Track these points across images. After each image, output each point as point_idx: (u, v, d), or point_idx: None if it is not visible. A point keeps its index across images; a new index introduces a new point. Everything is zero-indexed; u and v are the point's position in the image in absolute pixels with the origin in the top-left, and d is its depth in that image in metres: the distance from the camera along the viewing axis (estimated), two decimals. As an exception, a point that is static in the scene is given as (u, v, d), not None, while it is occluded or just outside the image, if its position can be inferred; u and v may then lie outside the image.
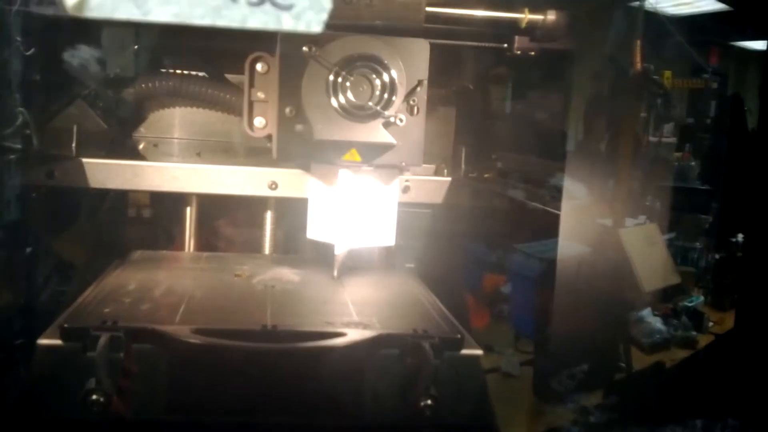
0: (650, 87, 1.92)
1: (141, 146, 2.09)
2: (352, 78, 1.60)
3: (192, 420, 1.21)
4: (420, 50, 1.66)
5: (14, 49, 1.47)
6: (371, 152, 1.68)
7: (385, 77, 1.62)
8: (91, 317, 1.27)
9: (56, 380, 1.19)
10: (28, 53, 1.50)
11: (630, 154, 1.53)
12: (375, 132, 1.65)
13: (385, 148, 1.67)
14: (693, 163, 2.30)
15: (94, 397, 1.12)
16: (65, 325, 1.22)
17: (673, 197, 2.12)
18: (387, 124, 1.65)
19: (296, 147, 1.67)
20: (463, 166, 2.13)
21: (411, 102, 1.66)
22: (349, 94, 1.61)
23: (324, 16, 0.68)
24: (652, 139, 2.09)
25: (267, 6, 0.68)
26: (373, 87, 1.62)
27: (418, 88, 1.66)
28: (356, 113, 1.62)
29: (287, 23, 0.69)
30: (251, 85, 1.75)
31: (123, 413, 1.15)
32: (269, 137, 1.78)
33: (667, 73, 2.09)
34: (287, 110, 1.63)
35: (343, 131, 1.63)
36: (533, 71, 2.10)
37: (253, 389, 1.21)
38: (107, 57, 1.99)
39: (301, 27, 0.69)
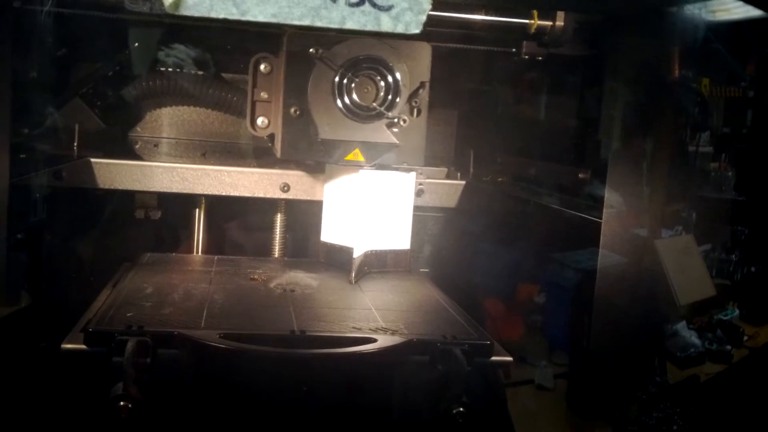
0: (688, 95, 1.96)
1: (137, 146, 2.12)
2: (357, 79, 1.68)
3: (221, 426, 1.23)
4: (422, 53, 1.74)
5: (45, 50, 1.50)
6: (374, 152, 1.75)
7: (389, 79, 1.69)
8: (114, 322, 1.29)
9: (81, 386, 1.21)
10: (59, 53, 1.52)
11: (667, 163, 1.57)
12: (378, 132, 1.72)
13: (388, 148, 1.74)
14: (730, 174, 2.33)
15: (122, 403, 1.13)
16: (90, 330, 1.24)
17: (710, 208, 2.17)
18: (390, 125, 1.72)
19: (301, 146, 1.73)
20: (471, 169, 2.17)
21: (413, 103, 1.73)
22: (354, 95, 1.68)
23: (423, 18, 0.71)
24: (689, 148, 2.13)
25: (366, 6, 0.70)
26: (377, 88, 1.70)
27: (421, 90, 1.73)
28: (360, 114, 1.70)
29: (386, 24, 0.72)
30: (254, 85, 1.80)
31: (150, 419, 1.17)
32: (271, 137, 1.82)
33: (705, 81, 2.13)
34: (292, 110, 1.69)
35: (347, 131, 1.71)
36: (546, 75, 2.14)
37: (284, 395, 1.24)
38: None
39: (399, 28, 0.72)
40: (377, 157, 1.74)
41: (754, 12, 1.44)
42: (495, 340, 1.38)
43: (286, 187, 1.91)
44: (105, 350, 1.20)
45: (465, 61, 2.11)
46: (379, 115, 1.69)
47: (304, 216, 2.04)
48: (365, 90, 1.68)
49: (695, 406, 1.59)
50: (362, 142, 1.72)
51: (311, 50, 1.63)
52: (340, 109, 1.68)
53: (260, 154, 2.10)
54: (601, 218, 1.51)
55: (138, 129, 2.13)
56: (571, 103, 2.10)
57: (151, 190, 1.87)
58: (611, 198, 1.50)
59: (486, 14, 1.80)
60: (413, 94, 1.71)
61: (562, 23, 1.80)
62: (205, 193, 1.90)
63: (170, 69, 2.01)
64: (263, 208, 2.00)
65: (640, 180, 1.54)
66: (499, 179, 2.14)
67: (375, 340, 1.30)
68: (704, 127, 2.25)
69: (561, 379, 1.87)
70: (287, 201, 1.97)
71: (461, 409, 1.22)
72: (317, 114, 1.68)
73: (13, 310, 1.55)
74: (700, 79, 2.12)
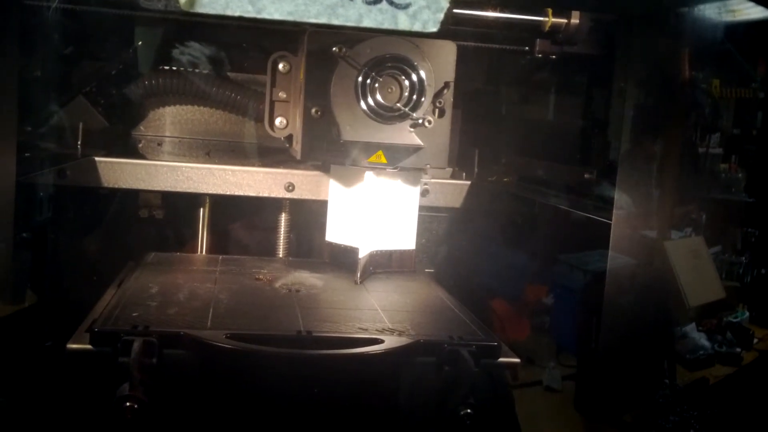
0: (698, 96, 1.96)
1: (141, 145, 2.12)
2: (380, 79, 1.64)
3: (227, 427, 1.23)
4: (447, 52, 1.71)
5: (49, 48, 1.50)
6: (398, 154, 1.72)
7: (414, 78, 1.65)
8: (120, 322, 1.30)
9: (86, 386, 1.21)
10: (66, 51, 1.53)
11: (676, 164, 1.57)
12: (402, 134, 1.69)
13: (412, 150, 1.71)
14: (740, 175, 2.33)
15: (128, 403, 1.13)
16: (95, 330, 1.24)
17: (720, 209, 2.17)
18: (413, 126, 1.69)
19: (321, 148, 1.70)
20: (476, 169, 2.17)
21: (437, 104, 1.70)
22: (378, 95, 1.65)
23: (441, 16, 0.71)
24: (699, 149, 2.14)
25: (384, 4, 0.70)
26: (401, 88, 1.66)
27: (445, 90, 1.70)
28: (384, 114, 1.66)
29: (403, 22, 0.72)
30: (273, 84, 1.78)
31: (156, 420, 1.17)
32: (289, 138, 1.81)
33: (715, 82, 2.14)
34: (313, 111, 1.66)
35: (370, 133, 1.67)
36: (553, 74, 2.14)
37: (291, 396, 1.24)
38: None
39: (416, 27, 0.72)
40: (401, 159, 1.72)
41: (765, 13, 1.45)
42: (502, 341, 1.38)
43: (290, 187, 1.91)
44: (111, 350, 1.20)
45: (470, 59, 2.10)
46: (404, 116, 1.65)
47: (309, 215, 2.04)
48: (389, 90, 1.64)
49: (711, 409, 1.59)
50: (386, 144, 1.69)
51: (334, 49, 1.59)
52: (363, 109, 1.64)
53: (265, 154, 2.10)
54: (609, 219, 1.51)
55: (142, 128, 2.14)
56: (578, 103, 2.09)
57: (156, 189, 1.87)
58: (621, 199, 1.50)
59: (500, 12, 1.78)
60: (438, 94, 1.69)
61: (578, 21, 1.78)
62: (210, 192, 1.89)
63: (174, 68, 2.01)
64: (268, 207, 2.00)
65: (649, 181, 1.54)
66: (505, 179, 2.14)
67: (382, 341, 1.30)
68: (714, 128, 2.25)
69: (569, 381, 1.87)
70: (292, 200, 1.96)
71: (468, 410, 1.23)
72: (339, 115, 1.65)
73: (18, 309, 1.55)
74: (711, 80, 2.12)
